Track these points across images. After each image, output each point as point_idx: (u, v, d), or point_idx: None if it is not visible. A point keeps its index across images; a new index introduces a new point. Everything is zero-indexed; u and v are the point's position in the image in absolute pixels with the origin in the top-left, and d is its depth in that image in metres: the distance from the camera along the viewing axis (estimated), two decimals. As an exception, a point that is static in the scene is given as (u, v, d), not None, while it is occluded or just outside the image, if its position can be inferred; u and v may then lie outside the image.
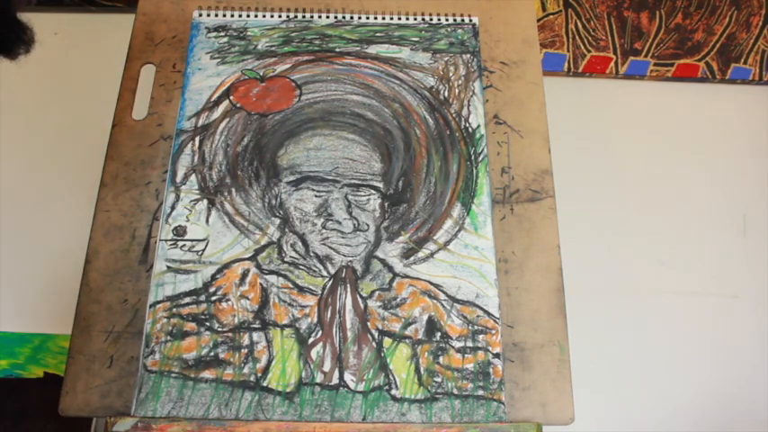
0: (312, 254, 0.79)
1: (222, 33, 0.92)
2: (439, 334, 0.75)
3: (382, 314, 0.76)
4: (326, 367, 0.73)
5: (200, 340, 0.74)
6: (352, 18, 0.94)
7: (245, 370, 0.73)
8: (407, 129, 0.86)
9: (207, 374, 0.72)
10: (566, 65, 1.45)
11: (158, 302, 0.76)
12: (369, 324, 0.75)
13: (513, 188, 0.83)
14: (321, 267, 0.78)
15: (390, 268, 0.78)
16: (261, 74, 0.90)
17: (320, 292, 0.77)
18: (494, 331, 0.76)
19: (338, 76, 0.89)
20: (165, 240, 0.79)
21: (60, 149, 1.31)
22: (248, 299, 0.76)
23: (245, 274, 0.77)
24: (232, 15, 0.93)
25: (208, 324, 0.75)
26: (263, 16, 0.93)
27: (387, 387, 0.73)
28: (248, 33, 0.92)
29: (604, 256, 1.33)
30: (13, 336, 1.23)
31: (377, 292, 0.77)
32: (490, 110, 0.88)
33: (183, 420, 0.69)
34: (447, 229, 0.81)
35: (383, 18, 0.94)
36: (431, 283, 0.78)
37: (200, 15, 0.93)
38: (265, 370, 0.73)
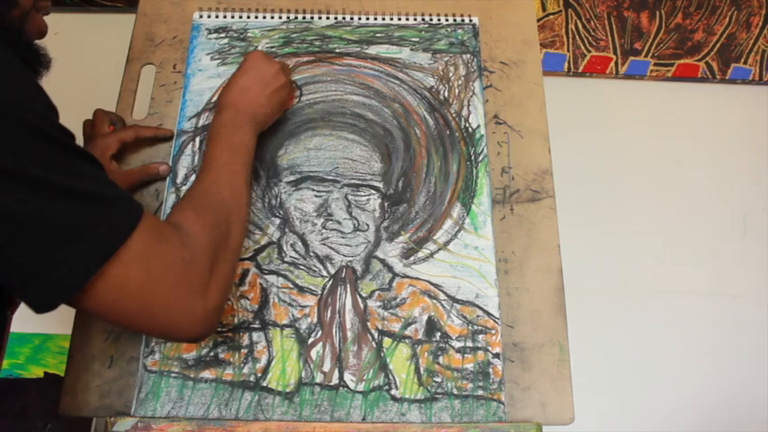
0: (312, 254, 0.79)
1: (223, 34, 0.92)
2: (439, 334, 0.75)
3: (382, 314, 0.76)
4: (326, 367, 0.73)
5: (200, 340, 0.74)
6: (352, 19, 0.94)
7: (245, 370, 0.73)
8: (407, 129, 0.86)
9: (207, 374, 0.72)
10: (566, 65, 1.45)
11: (158, 302, 0.75)
12: (369, 324, 0.75)
13: (513, 188, 0.83)
14: (321, 267, 0.78)
15: (390, 268, 0.78)
16: (261, 74, 0.89)
17: (320, 292, 0.77)
18: (494, 331, 0.76)
19: (338, 76, 0.89)
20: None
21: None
22: (248, 299, 0.76)
23: (244, 274, 0.77)
24: (232, 16, 0.93)
25: (208, 324, 0.74)
26: (264, 17, 0.93)
27: (387, 387, 0.73)
28: (249, 34, 0.92)
29: (604, 255, 1.33)
30: (13, 336, 1.23)
31: (377, 292, 0.77)
32: (490, 110, 0.88)
33: (183, 420, 0.69)
34: (447, 229, 0.81)
35: (383, 19, 0.94)
36: (431, 283, 0.78)
37: (201, 17, 0.93)
38: (265, 370, 0.73)
